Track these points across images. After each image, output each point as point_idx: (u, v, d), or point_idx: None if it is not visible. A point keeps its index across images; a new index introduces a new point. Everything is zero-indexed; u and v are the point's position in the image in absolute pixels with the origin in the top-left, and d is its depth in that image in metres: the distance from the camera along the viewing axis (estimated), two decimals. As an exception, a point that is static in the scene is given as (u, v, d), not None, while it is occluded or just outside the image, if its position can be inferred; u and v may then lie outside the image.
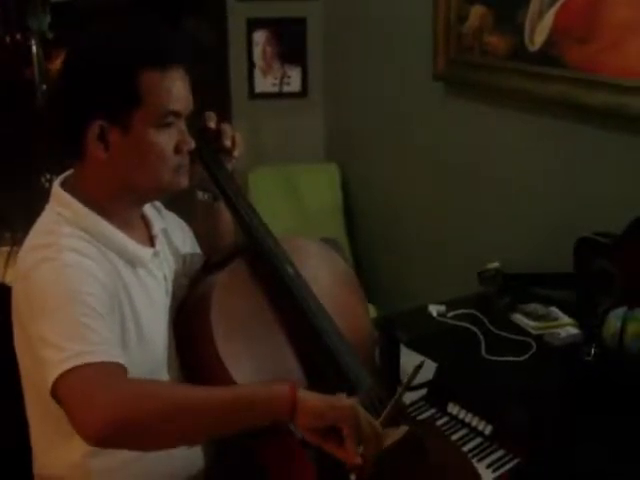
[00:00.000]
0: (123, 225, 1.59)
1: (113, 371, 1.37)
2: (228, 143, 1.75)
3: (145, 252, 1.63)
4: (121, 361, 1.40)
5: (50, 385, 1.36)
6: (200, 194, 1.81)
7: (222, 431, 1.42)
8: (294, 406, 1.37)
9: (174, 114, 1.53)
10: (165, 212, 1.81)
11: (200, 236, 1.85)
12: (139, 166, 1.53)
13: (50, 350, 1.38)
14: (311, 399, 1.39)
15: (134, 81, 1.48)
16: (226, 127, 1.77)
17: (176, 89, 1.52)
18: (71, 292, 1.42)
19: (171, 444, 1.42)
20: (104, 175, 1.54)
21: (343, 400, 1.42)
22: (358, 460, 1.39)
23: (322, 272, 1.82)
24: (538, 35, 2.65)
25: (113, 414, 1.29)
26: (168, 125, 1.53)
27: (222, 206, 1.81)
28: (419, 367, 1.50)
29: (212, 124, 1.74)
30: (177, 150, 1.56)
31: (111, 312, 1.48)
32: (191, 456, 1.63)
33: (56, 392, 1.36)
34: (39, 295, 1.43)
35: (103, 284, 1.47)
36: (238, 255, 1.71)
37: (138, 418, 1.31)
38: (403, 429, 1.48)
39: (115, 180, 1.55)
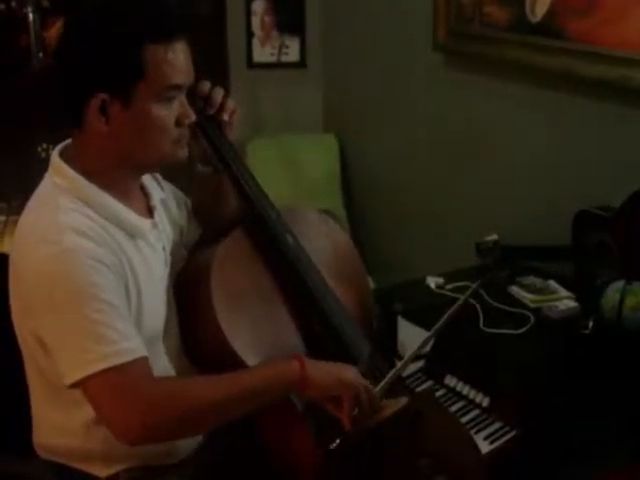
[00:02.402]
0: (122, 196, 1.58)
1: (139, 370, 1.43)
2: (226, 117, 1.73)
3: (144, 223, 1.61)
4: (143, 353, 1.44)
5: (70, 381, 1.41)
6: (200, 166, 1.79)
7: (243, 414, 1.51)
8: (305, 383, 1.48)
9: (176, 88, 1.52)
10: (164, 183, 1.80)
11: (199, 209, 1.83)
12: (140, 139, 1.52)
13: (69, 348, 1.41)
14: (319, 374, 1.49)
15: (138, 54, 1.46)
16: (223, 99, 1.74)
17: (179, 62, 1.51)
18: (79, 285, 1.41)
19: (199, 432, 1.60)
20: (104, 146, 1.53)
21: (348, 372, 1.52)
22: (348, 427, 1.49)
23: (322, 242, 1.82)
24: (539, 7, 2.63)
25: (144, 418, 1.40)
26: (170, 99, 1.52)
27: (222, 179, 1.79)
28: (430, 338, 1.56)
29: (205, 91, 1.71)
30: (178, 123, 1.55)
31: (120, 294, 1.48)
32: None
33: (80, 389, 1.42)
34: (43, 284, 1.42)
35: (108, 266, 1.46)
36: (238, 225, 1.71)
37: (168, 419, 1.42)
38: (403, 400, 1.50)
39: (115, 152, 1.53)
